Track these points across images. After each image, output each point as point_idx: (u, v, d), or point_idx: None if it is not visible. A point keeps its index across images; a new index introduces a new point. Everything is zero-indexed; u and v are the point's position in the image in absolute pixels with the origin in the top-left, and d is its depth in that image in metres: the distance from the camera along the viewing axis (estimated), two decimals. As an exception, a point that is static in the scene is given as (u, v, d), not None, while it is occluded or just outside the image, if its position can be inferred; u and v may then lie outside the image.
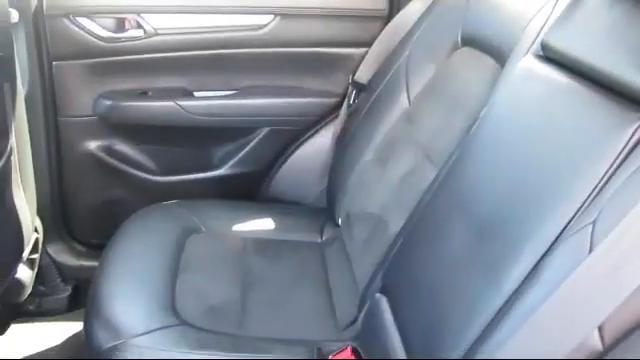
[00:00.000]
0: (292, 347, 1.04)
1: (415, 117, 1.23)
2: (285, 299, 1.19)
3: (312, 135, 1.58)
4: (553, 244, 0.60)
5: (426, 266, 0.80)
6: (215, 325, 1.07)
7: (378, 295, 0.97)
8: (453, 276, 0.72)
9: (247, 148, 1.57)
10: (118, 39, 1.42)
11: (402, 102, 1.28)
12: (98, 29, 1.39)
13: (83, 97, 1.46)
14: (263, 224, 1.43)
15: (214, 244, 1.32)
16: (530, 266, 0.61)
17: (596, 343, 0.55)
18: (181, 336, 1.01)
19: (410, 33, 1.34)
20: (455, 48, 1.19)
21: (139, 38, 1.42)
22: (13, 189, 1.27)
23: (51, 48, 1.38)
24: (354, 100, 1.47)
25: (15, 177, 1.29)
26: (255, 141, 1.56)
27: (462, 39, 1.17)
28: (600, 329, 0.54)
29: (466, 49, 1.16)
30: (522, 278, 0.62)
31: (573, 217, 0.59)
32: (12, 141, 1.25)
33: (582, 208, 0.58)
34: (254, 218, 1.43)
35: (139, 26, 1.41)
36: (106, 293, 1.10)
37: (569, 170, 0.61)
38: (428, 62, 1.25)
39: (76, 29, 1.37)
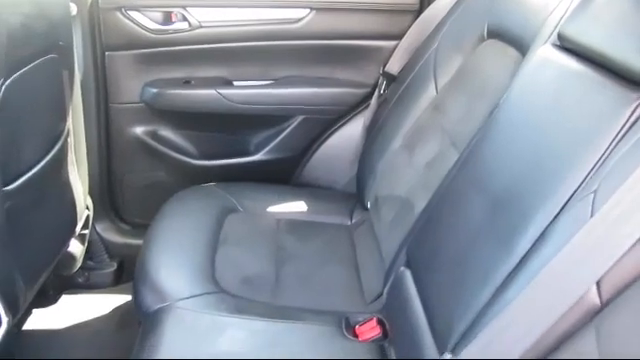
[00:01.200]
0: (321, 316, 1.11)
1: (442, 105, 1.30)
2: (315, 274, 1.27)
3: (344, 124, 1.66)
4: (559, 213, 0.66)
5: (445, 238, 0.87)
6: (250, 294, 1.16)
7: (402, 269, 1.05)
8: (469, 245, 0.79)
9: (282, 135, 1.65)
10: (165, 31, 1.52)
11: (430, 91, 1.35)
12: (147, 22, 1.50)
13: (131, 85, 1.56)
14: (296, 206, 1.51)
15: (250, 223, 1.41)
16: (538, 233, 0.68)
17: (594, 298, 0.61)
18: (220, 302, 1.10)
19: (439, 26, 1.40)
20: (481, 40, 1.24)
21: (184, 30, 1.52)
22: (69, 167, 1.39)
23: (104, 39, 1.49)
24: (384, 90, 1.55)
25: (71, 157, 1.41)
26: (290, 129, 1.65)
27: (488, 31, 1.22)
28: (598, 285, 0.61)
29: (491, 41, 1.21)
30: (530, 244, 0.68)
31: (577, 188, 0.65)
32: (69, 123, 1.37)
33: (586, 180, 0.65)
34: (288, 200, 1.52)
35: (184, 19, 1.51)
36: (153, 262, 1.20)
37: (575, 147, 0.68)
38: (455, 53, 1.31)
39: (127, 22, 1.48)
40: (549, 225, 0.67)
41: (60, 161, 1.33)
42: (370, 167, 1.46)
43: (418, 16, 1.53)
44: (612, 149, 0.63)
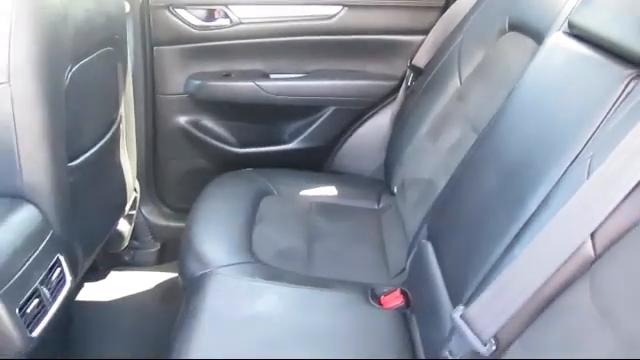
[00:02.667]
0: (349, 286, 1.21)
1: (465, 95, 1.38)
2: (344, 250, 1.37)
3: (373, 114, 1.76)
4: (560, 178, 0.75)
5: (462, 208, 0.95)
6: (284, 265, 1.27)
7: (424, 241, 1.13)
8: (483, 211, 0.87)
9: (314, 125, 1.76)
10: (208, 27, 1.64)
11: (454, 82, 1.43)
12: (192, 19, 1.62)
13: (177, 77, 1.69)
14: (327, 191, 1.61)
15: (284, 205, 1.52)
16: (542, 197, 0.76)
17: (589, 251, 0.70)
18: (256, 270, 1.21)
19: (463, 21, 1.49)
20: (502, 33, 1.32)
21: (226, 26, 1.64)
22: (121, 151, 1.52)
23: (153, 35, 1.62)
24: (411, 82, 1.64)
25: (122, 142, 1.54)
26: (322, 119, 1.75)
27: (509, 24, 1.30)
28: (593, 238, 0.69)
29: (512, 34, 1.29)
30: (536, 206, 0.77)
31: (577, 156, 0.73)
32: (121, 111, 1.51)
33: (584, 148, 0.73)
34: (319, 186, 1.62)
35: (226, 16, 1.64)
36: (197, 235, 1.32)
37: (575, 120, 0.76)
38: (478, 46, 1.40)
39: (174, 19, 1.61)
40: (552, 189, 0.75)
41: (113, 145, 1.46)
42: (397, 154, 1.55)
43: (443, 12, 1.62)
44: (607, 120, 0.71)
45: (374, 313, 1.14)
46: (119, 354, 1.45)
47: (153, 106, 1.71)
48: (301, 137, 1.77)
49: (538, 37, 1.13)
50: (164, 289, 1.77)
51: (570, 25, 0.92)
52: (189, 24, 1.63)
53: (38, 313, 1.01)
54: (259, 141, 1.78)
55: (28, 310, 0.98)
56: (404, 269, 1.27)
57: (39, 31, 1.01)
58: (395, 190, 1.53)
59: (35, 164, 1.08)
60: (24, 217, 1.05)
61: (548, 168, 0.78)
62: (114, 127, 1.44)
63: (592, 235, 0.69)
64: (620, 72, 0.73)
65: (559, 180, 0.75)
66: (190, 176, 1.82)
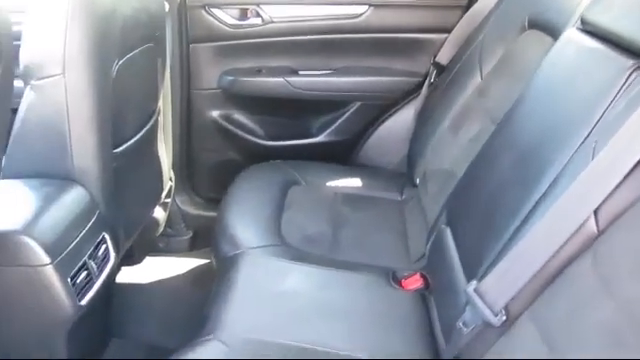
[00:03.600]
0: (372, 269, 1.28)
1: (485, 90, 1.44)
2: (367, 237, 1.44)
3: (397, 110, 1.83)
4: (568, 161, 0.81)
5: (479, 191, 1.02)
6: (310, 248, 1.34)
7: (443, 226, 1.20)
8: (498, 193, 0.94)
9: (341, 119, 1.84)
10: (241, 26, 1.74)
11: (475, 78, 1.49)
12: (226, 17, 1.72)
13: (211, 73, 1.79)
14: (352, 182, 1.69)
15: (311, 194, 1.60)
16: (552, 178, 0.82)
17: (592, 227, 0.75)
18: (284, 252, 1.29)
19: (485, 20, 1.55)
20: (522, 30, 1.38)
21: (257, 25, 1.73)
22: (158, 142, 1.62)
23: (190, 33, 1.72)
24: (434, 79, 1.70)
25: (160, 133, 1.64)
26: (348, 113, 1.83)
27: (529, 22, 1.36)
28: (596, 215, 0.75)
29: (531, 31, 1.35)
30: (546, 187, 0.83)
31: (583, 141, 0.79)
32: (160, 104, 1.61)
33: (590, 134, 0.79)
34: (344, 177, 1.69)
35: (258, 15, 1.73)
36: (229, 219, 1.41)
37: (583, 109, 0.81)
38: (499, 44, 1.45)
39: (209, 18, 1.71)
40: (560, 172, 0.82)
41: (152, 136, 1.56)
42: (420, 148, 1.62)
43: (466, 11, 1.68)
44: (610, 108, 0.77)
45: (394, 294, 1.21)
46: (154, 333, 1.54)
47: (188, 100, 1.81)
48: (327, 131, 1.85)
49: (555, 34, 1.18)
50: (196, 274, 1.87)
51: (583, 21, 0.98)
52: (223, 23, 1.72)
53: (86, 284, 1.11)
54: (287, 134, 1.86)
55: (78, 281, 1.08)
56: (424, 254, 1.33)
57: (91, 26, 1.11)
58: (417, 182, 1.59)
59: (84, 149, 1.18)
60: (74, 197, 1.15)
61: (557, 153, 0.84)
62: (153, 119, 1.54)
63: (595, 212, 0.75)
64: (623, 63, 0.79)
65: (567, 163, 0.81)
66: (221, 167, 1.91)
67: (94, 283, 1.13)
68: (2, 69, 0.72)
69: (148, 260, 1.88)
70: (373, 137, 1.86)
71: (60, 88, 1.12)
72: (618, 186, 0.73)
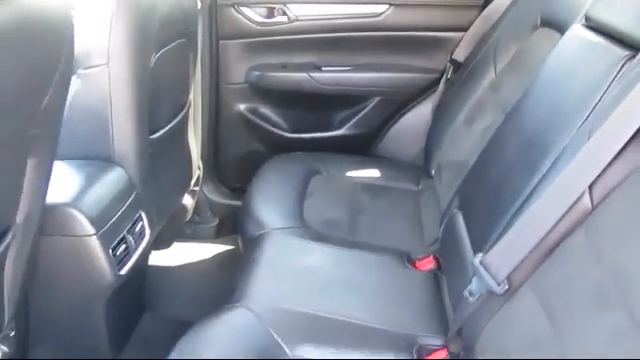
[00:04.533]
0: (388, 251, 1.36)
1: (498, 85, 1.51)
2: (384, 222, 1.52)
3: (415, 105, 1.91)
4: (568, 144, 0.88)
5: (488, 175, 1.10)
6: (330, 231, 1.43)
7: (455, 210, 1.28)
8: (505, 174, 1.01)
9: (361, 114, 1.93)
10: (268, 24, 1.84)
11: (490, 74, 1.56)
12: (255, 16, 1.82)
13: (239, 68, 1.89)
14: (371, 173, 1.77)
15: (331, 183, 1.69)
16: (553, 159, 0.90)
17: (587, 203, 0.83)
18: (306, 233, 1.39)
19: (500, 18, 1.62)
20: (535, 29, 1.45)
21: (283, 23, 1.83)
22: (188, 132, 1.73)
23: (220, 30, 1.83)
24: (451, 75, 1.78)
25: (190, 124, 1.75)
26: (368, 108, 1.92)
27: (541, 21, 1.42)
28: (590, 191, 0.82)
29: (543, 29, 1.41)
30: (547, 168, 0.90)
31: (581, 125, 0.87)
32: (190, 96, 1.71)
33: (587, 119, 0.86)
34: (364, 168, 1.78)
35: (284, 14, 1.83)
36: (255, 203, 1.50)
37: (582, 96, 0.89)
38: (513, 41, 1.52)
39: (238, 16, 1.81)
40: (560, 154, 0.89)
41: (183, 126, 1.67)
42: (436, 141, 1.69)
43: (482, 10, 1.76)
44: (605, 95, 0.84)
45: (408, 273, 1.29)
46: (183, 308, 1.64)
47: (217, 94, 1.91)
48: (348, 124, 1.94)
49: (564, 31, 1.24)
50: (221, 259, 1.97)
51: (586, 18, 1.05)
52: (251, 20, 1.82)
53: (125, 256, 1.21)
54: (310, 127, 1.95)
55: (118, 252, 1.18)
56: (437, 239, 1.41)
57: (133, 21, 1.22)
58: (433, 173, 1.67)
59: (124, 134, 1.29)
60: (114, 177, 1.26)
61: (558, 137, 0.91)
62: (184, 110, 1.65)
63: (590, 188, 0.82)
64: (619, 54, 0.86)
65: (566, 146, 0.88)
66: (246, 158, 2.01)
67: (132, 256, 1.24)
68: (64, 59, 0.82)
69: (176, 245, 1.99)
70: (391, 131, 1.94)
71: (104, 77, 1.22)
72: (610, 163, 0.80)
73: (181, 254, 1.97)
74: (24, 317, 1.16)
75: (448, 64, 1.80)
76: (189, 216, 1.94)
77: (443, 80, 1.81)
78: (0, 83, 0.70)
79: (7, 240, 0.92)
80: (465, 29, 1.78)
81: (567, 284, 0.82)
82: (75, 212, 1.10)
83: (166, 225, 1.65)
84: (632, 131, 0.78)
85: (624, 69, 0.84)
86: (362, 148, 1.95)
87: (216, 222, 2.05)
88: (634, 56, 0.84)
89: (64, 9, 0.80)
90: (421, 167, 1.78)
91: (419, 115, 1.89)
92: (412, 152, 1.89)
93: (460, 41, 1.78)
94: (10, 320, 1.06)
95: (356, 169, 1.77)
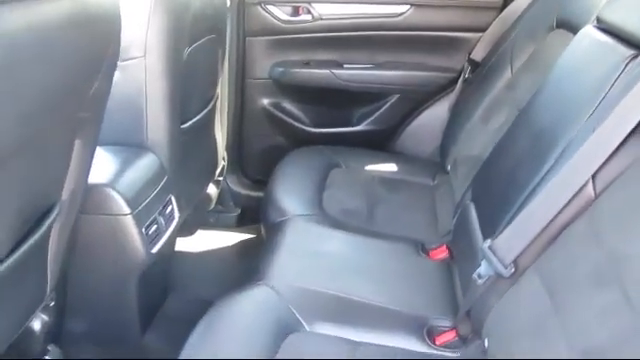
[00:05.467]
0: (403, 240, 1.42)
1: (514, 84, 1.57)
2: (400, 214, 1.58)
3: (433, 102, 1.97)
4: (573, 138, 0.94)
5: (500, 168, 1.16)
6: (348, 220, 1.50)
7: (468, 202, 1.34)
8: (516, 167, 1.07)
9: (380, 110, 1.99)
10: (293, 22, 1.91)
11: (506, 73, 1.62)
12: (280, 14, 1.90)
13: (263, 64, 1.97)
14: (388, 167, 1.84)
15: (350, 176, 1.76)
16: (560, 151, 0.96)
17: (590, 192, 0.89)
18: (325, 220, 1.46)
19: (518, 19, 1.68)
20: (551, 30, 1.50)
21: (308, 21, 1.91)
22: (215, 124, 1.81)
23: (246, 27, 1.91)
24: (469, 75, 1.84)
25: (217, 117, 1.83)
26: (387, 105, 1.98)
27: (556, 22, 1.48)
28: (594, 180, 0.88)
29: (559, 30, 1.47)
30: (555, 159, 0.97)
31: (588, 118, 0.93)
32: (218, 90, 1.80)
33: (592, 114, 0.92)
34: (382, 162, 1.85)
35: (309, 12, 1.90)
36: (277, 192, 1.58)
37: (588, 93, 0.95)
38: (529, 42, 1.58)
39: (265, 14, 1.89)
40: (567, 146, 0.95)
41: (210, 118, 1.75)
42: (452, 137, 1.75)
43: (501, 12, 1.81)
44: (610, 92, 0.90)
45: (422, 261, 1.35)
46: (207, 290, 1.71)
47: (242, 88, 1.99)
48: (367, 120, 2.01)
49: (577, 32, 1.31)
50: (243, 246, 2.05)
51: (598, 20, 1.11)
52: (277, 18, 1.90)
53: (156, 236, 1.30)
54: (331, 122, 2.03)
55: (150, 232, 1.27)
56: (451, 230, 1.47)
57: (169, 17, 1.30)
58: (449, 168, 1.73)
59: (157, 123, 1.37)
60: (147, 162, 1.35)
61: (565, 131, 0.97)
62: (212, 103, 1.73)
63: (593, 178, 0.88)
64: (623, 53, 0.92)
65: (572, 139, 0.94)
66: (269, 151, 2.08)
67: (162, 236, 1.32)
68: (112, 49, 0.91)
69: (200, 233, 2.08)
70: (409, 127, 2.01)
71: (141, 69, 1.31)
72: (612, 155, 0.86)
73: (204, 241, 2.05)
74: (63, 290, 1.25)
75: (466, 64, 1.86)
76: (213, 205, 2.03)
77: (461, 79, 1.87)
78: (57, 71, 0.79)
79: (53, 215, 1.00)
80: (483, 30, 1.84)
81: (568, 266, 0.88)
82: (113, 192, 1.19)
83: (191, 213, 1.73)
84: (633, 124, 0.84)
85: (628, 67, 0.90)
86: (380, 143, 2.02)
87: (238, 212, 2.13)
88: (638, 55, 0.90)
89: (113, 4, 0.88)
90: (437, 163, 1.84)
91: (437, 113, 1.95)
92: (429, 148, 1.95)
93: (478, 41, 1.84)
94: (51, 291, 1.15)
95: (374, 163, 1.84)
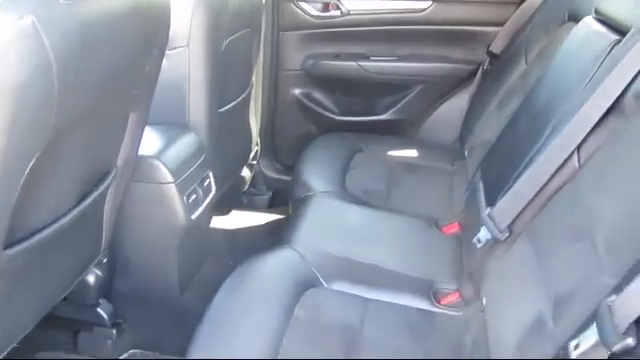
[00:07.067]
0: (418, 216, 1.55)
1: (527, 74, 1.67)
2: (417, 194, 1.71)
3: (454, 93, 2.09)
4: (563, 114, 1.05)
5: (504, 147, 1.28)
6: (368, 199, 1.64)
7: (477, 181, 1.46)
8: (516, 144, 1.19)
9: (404, 101, 2.12)
10: (323, 17, 2.06)
11: (521, 64, 1.73)
12: (311, 10, 2.05)
13: (296, 57, 2.12)
14: (410, 153, 1.96)
15: (372, 160, 1.89)
16: (553, 125, 1.07)
17: (575, 163, 1.00)
18: (346, 197, 1.60)
19: (534, 14, 1.78)
20: (563, 23, 1.60)
21: (337, 17, 2.05)
22: (250, 111, 1.97)
23: (280, 22, 2.07)
24: (487, 67, 1.94)
25: (251, 104, 1.99)
26: (410, 95, 2.11)
27: (568, 16, 1.57)
28: (578, 152, 0.99)
29: (570, 23, 1.56)
30: (549, 131, 1.08)
31: (575, 99, 1.04)
32: (253, 80, 1.96)
33: (580, 94, 1.03)
34: (403, 148, 1.97)
35: (338, 8, 2.05)
36: (304, 172, 1.73)
37: (580, 74, 1.06)
38: (543, 35, 1.68)
39: (297, 10, 2.05)
40: (557, 123, 1.07)
41: (245, 104, 1.91)
42: (470, 125, 1.87)
43: (519, 6, 1.91)
44: (596, 73, 1.01)
45: (435, 234, 1.48)
46: (240, 256, 1.87)
47: (276, 79, 2.15)
48: (392, 110, 2.14)
49: (584, 24, 1.41)
50: (273, 225, 2.20)
51: (596, 11, 1.22)
52: (308, 14, 2.05)
53: (195, 205, 1.46)
54: (357, 111, 2.17)
55: (190, 200, 1.43)
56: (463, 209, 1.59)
57: (211, 10, 1.46)
58: (466, 154, 1.84)
59: (198, 106, 1.54)
60: (189, 140, 1.51)
61: (558, 109, 1.09)
62: (247, 91, 1.89)
63: (578, 150, 1.00)
64: (610, 38, 1.03)
65: (562, 116, 1.06)
66: (299, 138, 2.22)
67: (200, 205, 1.49)
68: (163, 36, 1.07)
69: (233, 213, 2.25)
70: (431, 117, 2.13)
71: (184, 57, 1.48)
72: (594, 129, 0.98)
73: (238, 220, 2.22)
74: (113, 250, 1.43)
75: (485, 56, 1.97)
76: (246, 187, 2.19)
77: (480, 71, 1.98)
78: (120, 52, 0.95)
79: (110, 179, 1.17)
80: (502, 24, 1.94)
81: (551, 227, 1.01)
82: (159, 163, 1.36)
83: (226, 194, 1.89)
84: (611, 102, 0.95)
85: (613, 51, 1.01)
86: (403, 132, 2.15)
87: (269, 194, 2.28)
88: (621, 40, 1.01)
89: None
90: (457, 150, 1.95)
91: (458, 103, 2.06)
92: (450, 136, 2.06)
93: (497, 35, 1.95)
94: (104, 249, 1.32)
95: (395, 149, 1.96)
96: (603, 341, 0.62)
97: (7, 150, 0.77)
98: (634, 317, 0.61)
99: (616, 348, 0.60)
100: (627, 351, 0.60)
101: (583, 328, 0.68)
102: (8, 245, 0.87)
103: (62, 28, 0.76)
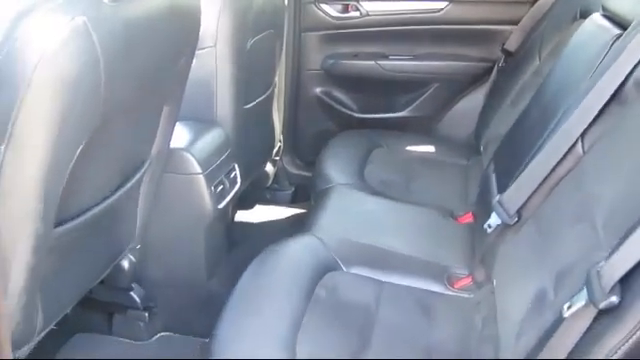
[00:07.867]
0: (434, 207, 1.61)
1: (540, 70, 1.73)
2: (434, 187, 1.78)
3: (470, 91, 2.15)
4: (569, 105, 1.12)
5: (516, 139, 1.35)
6: (386, 190, 1.71)
7: (490, 172, 1.52)
8: (526, 134, 1.26)
9: (421, 98, 2.19)
10: (343, 18, 2.15)
11: (535, 61, 1.78)
12: (332, 11, 2.14)
13: (316, 57, 2.20)
14: (426, 148, 2.03)
15: (390, 155, 1.96)
16: (560, 116, 1.14)
17: (579, 150, 1.07)
18: (365, 188, 1.67)
19: (547, 12, 1.83)
20: (575, 20, 1.65)
21: (356, 17, 2.13)
22: (273, 108, 2.06)
23: (302, 23, 2.15)
24: (502, 64, 2.00)
25: (274, 103, 2.08)
26: (427, 93, 2.18)
27: (580, 13, 1.63)
28: (582, 139, 1.06)
29: (581, 20, 1.61)
30: (555, 123, 1.14)
31: (580, 90, 1.10)
32: (276, 78, 2.05)
33: (584, 86, 1.09)
34: (420, 144, 2.04)
35: (357, 9, 2.13)
36: (325, 165, 1.81)
37: (586, 66, 1.12)
38: (556, 32, 1.73)
39: (318, 11, 2.13)
40: (564, 112, 1.13)
41: (269, 102, 2.00)
42: (485, 121, 1.93)
43: (533, 5, 1.97)
44: (599, 66, 1.08)
45: (450, 224, 1.55)
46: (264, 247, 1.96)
47: (298, 79, 2.23)
48: (409, 107, 2.21)
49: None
50: (295, 219, 2.28)
51: (603, 7, 1.28)
52: (329, 15, 2.14)
53: (221, 195, 1.55)
54: (376, 109, 2.24)
55: (217, 191, 1.53)
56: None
57: (237, 12, 1.56)
58: (482, 149, 1.90)
59: (225, 102, 1.63)
60: (216, 134, 1.61)
61: (565, 100, 1.15)
62: (270, 89, 1.98)
63: (582, 137, 1.06)
64: (612, 33, 1.09)
65: (568, 107, 1.12)
66: (320, 135, 2.29)
67: (226, 195, 1.58)
68: (194, 35, 1.16)
69: (257, 207, 2.34)
70: (448, 114, 2.19)
71: (212, 56, 1.57)
72: (597, 118, 1.04)
73: (261, 214, 2.31)
74: (146, 237, 1.53)
75: (500, 54, 2.02)
76: (269, 183, 2.27)
77: (495, 68, 2.04)
78: (157, 50, 1.05)
79: (144, 168, 1.27)
80: (516, 22, 2.00)
81: (556, 211, 1.07)
82: (188, 155, 1.45)
83: (249, 189, 1.98)
84: (612, 91, 1.01)
85: (615, 45, 1.07)
86: (420, 129, 2.21)
87: (292, 190, 2.36)
88: (622, 34, 1.07)
89: (196, 2, 1.14)
90: (473, 146, 2.01)
91: (474, 100, 2.12)
92: (465, 133, 2.12)
93: (512, 33, 2.00)
94: (138, 235, 1.42)
95: (413, 144, 2.03)
96: (592, 300, 0.69)
97: (59, 139, 0.86)
98: (618, 277, 0.68)
99: (602, 305, 0.67)
100: (612, 308, 0.67)
101: (577, 294, 0.74)
102: (58, 223, 0.96)
103: (109, 27, 0.86)
